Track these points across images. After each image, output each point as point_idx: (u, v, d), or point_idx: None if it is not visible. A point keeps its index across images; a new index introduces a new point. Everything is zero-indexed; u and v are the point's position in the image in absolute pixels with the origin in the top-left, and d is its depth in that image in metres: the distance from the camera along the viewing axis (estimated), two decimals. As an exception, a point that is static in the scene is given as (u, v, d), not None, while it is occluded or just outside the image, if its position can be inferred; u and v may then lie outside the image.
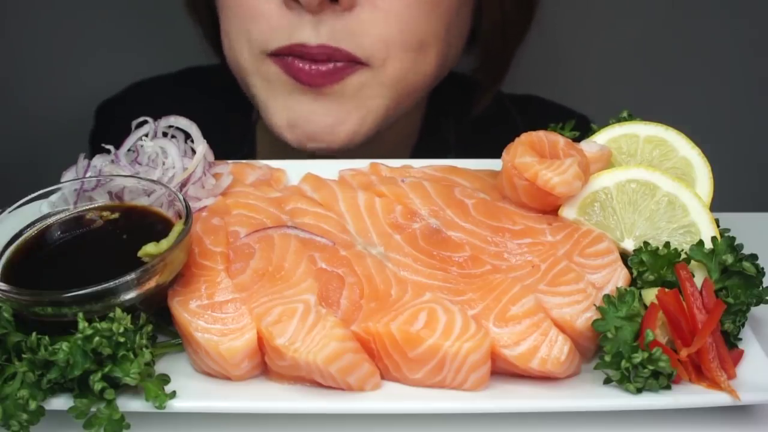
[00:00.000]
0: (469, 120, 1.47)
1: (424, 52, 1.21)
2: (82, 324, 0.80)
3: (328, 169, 1.11)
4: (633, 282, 0.91)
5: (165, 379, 0.84)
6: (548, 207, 0.99)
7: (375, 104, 1.21)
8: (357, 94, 1.19)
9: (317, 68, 1.15)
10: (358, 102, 1.19)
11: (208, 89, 1.47)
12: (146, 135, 1.05)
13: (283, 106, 1.21)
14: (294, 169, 1.11)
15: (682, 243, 0.93)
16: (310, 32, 1.14)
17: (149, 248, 0.87)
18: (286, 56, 1.17)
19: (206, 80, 1.49)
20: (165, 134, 1.06)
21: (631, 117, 1.07)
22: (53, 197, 0.97)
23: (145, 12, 1.82)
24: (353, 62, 1.16)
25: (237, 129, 1.47)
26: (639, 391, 0.82)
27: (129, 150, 1.05)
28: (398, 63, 1.18)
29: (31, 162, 1.88)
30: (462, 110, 1.49)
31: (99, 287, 0.82)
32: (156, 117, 1.06)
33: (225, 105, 1.41)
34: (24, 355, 0.81)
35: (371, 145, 1.27)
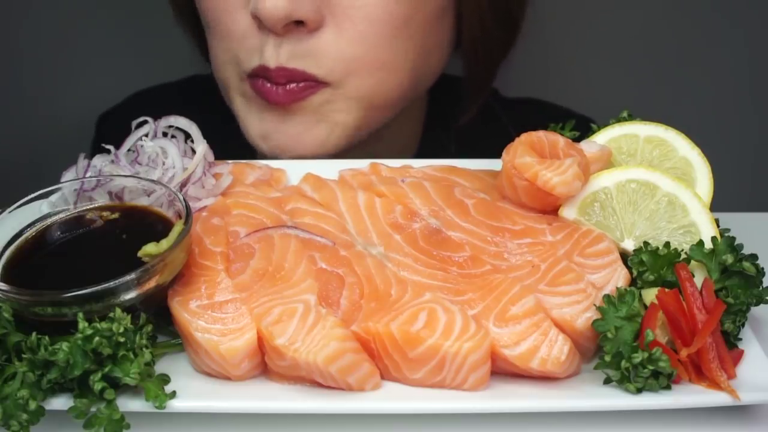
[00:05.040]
0: (469, 128, 1.47)
1: (391, 71, 1.21)
2: (82, 324, 0.80)
3: (328, 169, 1.11)
4: (633, 282, 0.91)
5: (165, 379, 0.84)
6: (548, 207, 0.99)
7: (341, 118, 1.22)
8: (320, 109, 1.21)
9: (279, 89, 1.18)
10: (322, 116, 1.22)
11: (210, 98, 1.48)
12: (146, 135, 1.05)
13: (257, 120, 1.25)
14: (294, 169, 1.12)
15: (682, 243, 0.92)
16: (271, 53, 1.16)
17: (149, 248, 0.87)
18: (257, 77, 1.19)
19: (208, 89, 1.50)
20: (165, 134, 1.06)
21: (631, 117, 1.07)
22: (53, 197, 0.97)
23: (151, 17, 1.82)
24: (313, 82, 1.18)
25: (237, 138, 1.48)
26: (639, 391, 0.82)
27: (129, 150, 1.05)
28: (361, 81, 1.19)
29: (31, 162, 1.88)
30: (460, 113, 1.48)
31: (99, 287, 0.82)
32: (156, 117, 1.06)
33: (226, 114, 1.42)
34: (24, 355, 0.81)
35: (374, 145, 1.29)
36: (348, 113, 1.22)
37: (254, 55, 1.18)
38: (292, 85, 1.18)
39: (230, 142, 1.40)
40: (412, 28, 1.19)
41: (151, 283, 0.86)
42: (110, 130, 1.49)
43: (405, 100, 1.30)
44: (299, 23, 1.13)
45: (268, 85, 1.18)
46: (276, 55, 1.15)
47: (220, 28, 1.21)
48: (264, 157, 1.26)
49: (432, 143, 1.47)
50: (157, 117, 1.07)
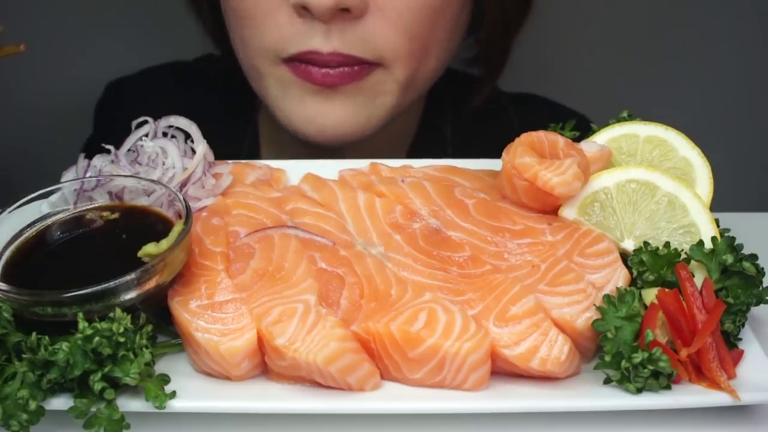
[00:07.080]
0: (466, 115, 1.52)
1: (429, 56, 1.27)
2: (82, 324, 0.80)
3: (328, 169, 1.11)
4: (633, 282, 0.91)
5: (165, 379, 0.84)
6: (548, 207, 0.99)
7: (386, 101, 1.27)
8: (370, 91, 1.25)
9: (328, 72, 1.21)
10: (370, 99, 1.26)
11: (219, 77, 1.51)
12: (146, 135, 1.05)
13: (298, 105, 1.26)
14: (294, 169, 1.12)
15: (682, 243, 0.93)
16: (321, 40, 1.19)
17: (149, 248, 0.87)
18: (300, 62, 1.22)
19: (219, 68, 1.53)
20: (165, 134, 1.06)
21: (631, 117, 1.07)
22: (53, 197, 0.97)
23: (150, 17, 1.83)
24: (366, 64, 1.22)
25: (241, 118, 1.50)
26: (639, 391, 0.82)
27: (129, 150, 1.05)
28: (407, 65, 1.24)
29: (31, 162, 1.88)
30: (458, 106, 1.54)
31: (99, 287, 0.82)
32: (156, 117, 1.07)
33: (231, 93, 1.45)
34: (24, 355, 0.81)
35: (372, 138, 1.31)
36: (393, 95, 1.27)
37: (293, 41, 1.20)
38: (343, 69, 1.21)
39: (232, 122, 1.43)
40: (447, 14, 1.25)
41: (151, 283, 0.86)
42: (118, 94, 1.53)
43: (429, 83, 1.35)
44: (344, 10, 1.16)
45: (314, 70, 1.21)
46: (328, 40, 1.18)
47: (253, 16, 1.23)
48: (283, 143, 1.25)
49: (430, 135, 1.51)
50: (157, 117, 1.07)
